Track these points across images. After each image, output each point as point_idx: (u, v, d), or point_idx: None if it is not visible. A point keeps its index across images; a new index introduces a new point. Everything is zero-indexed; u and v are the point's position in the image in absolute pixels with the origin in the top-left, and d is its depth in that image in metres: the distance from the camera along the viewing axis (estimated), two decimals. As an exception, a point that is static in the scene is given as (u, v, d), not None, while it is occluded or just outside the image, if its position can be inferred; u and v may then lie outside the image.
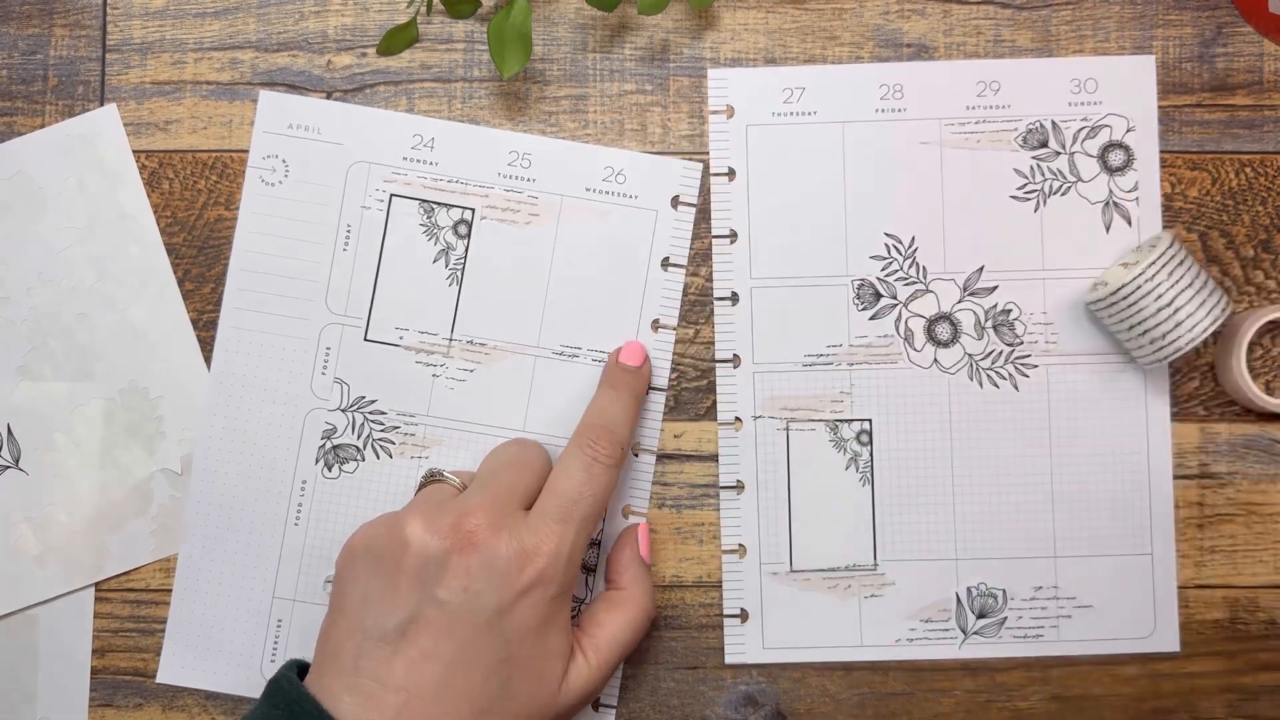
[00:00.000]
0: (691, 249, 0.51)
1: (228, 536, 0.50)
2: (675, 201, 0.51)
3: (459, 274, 0.51)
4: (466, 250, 0.51)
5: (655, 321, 0.51)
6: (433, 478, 0.46)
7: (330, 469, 0.50)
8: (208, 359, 0.51)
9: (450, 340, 0.51)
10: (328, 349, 0.51)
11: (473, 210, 0.51)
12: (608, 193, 0.51)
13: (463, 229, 0.51)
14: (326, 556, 0.50)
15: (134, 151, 0.51)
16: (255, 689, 0.50)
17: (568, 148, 0.51)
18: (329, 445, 0.50)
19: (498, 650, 0.41)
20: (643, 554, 0.48)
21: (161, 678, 0.50)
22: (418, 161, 0.51)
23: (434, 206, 0.51)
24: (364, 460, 0.50)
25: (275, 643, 0.50)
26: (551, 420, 0.50)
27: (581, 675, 0.44)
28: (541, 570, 0.42)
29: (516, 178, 0.51)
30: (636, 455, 0.50)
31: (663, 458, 0.51)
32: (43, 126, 0.51)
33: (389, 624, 0.41)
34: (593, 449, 0.45)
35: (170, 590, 0.50)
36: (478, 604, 0.41)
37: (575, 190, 0.51)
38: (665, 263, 0.51)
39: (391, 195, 0.51)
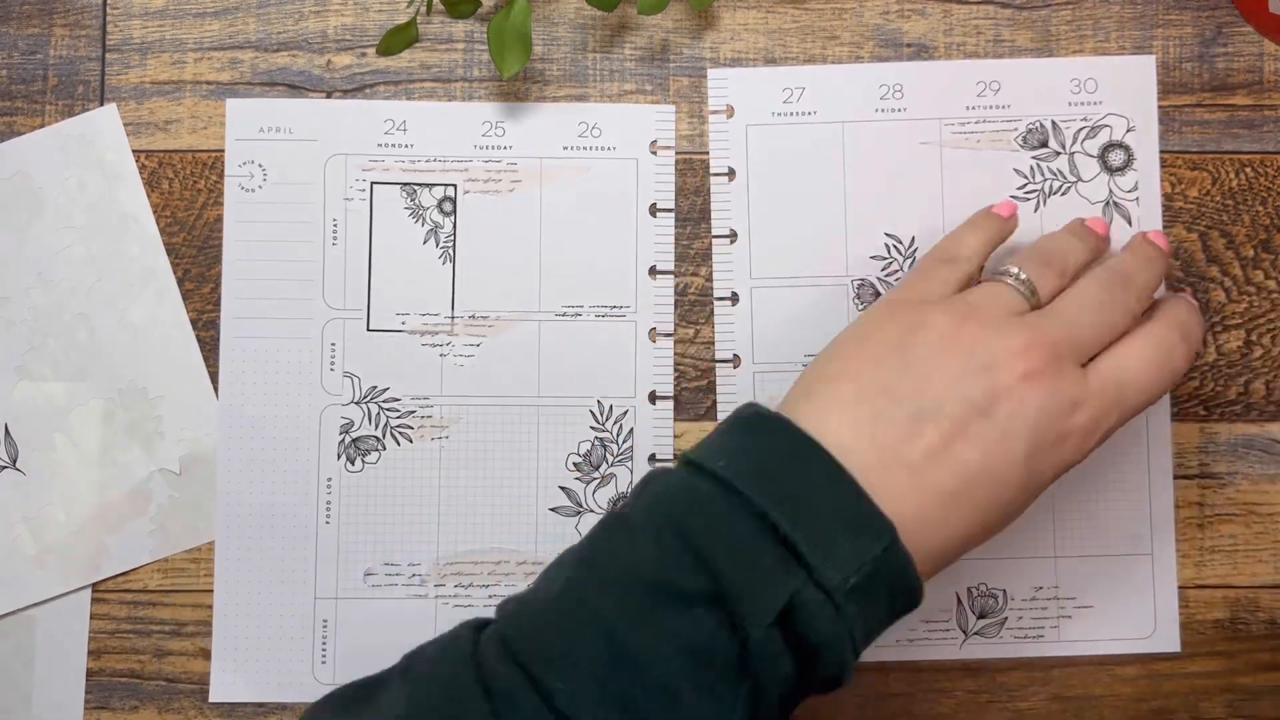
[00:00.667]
0: (692, 249, 0.51)
1: (262, 546, 0.50)
2: (654, 146, 0.51)
3: (450, 251, 0.51)
4: (454, 227, 0.51)
5: (652, 268, 0.51)
6: (1021, 278, 0.41)
7: (353, 463, 0.50)
8: (207, 359, 0.51)
9: (452, 318, 0.51)
10: (333, 344, 0.51)
11: (455, 186, 0.51)
12: (585, 148, 0.51)
13: (447, 206, 0.51)
14: (362, 550, 0.50)
15: (134, 151, 0.51)
16: (309, 694, 0.50)
17: (539, 109, 0.51)
18: (348, 439, 0.50)
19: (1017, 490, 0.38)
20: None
21: (214, 697, 0.50)
22: (393, 146, 0.51)
23: (416, 188, 0.51)
24: (385, 449, 0.50)
25: (324, 643, 0.50)
26: (564, 381, 0.50)
27: None
28: (1078, 429, 0.38)
29: (493, 147, 0.51)
30: (652, 461, 0.50)
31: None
32: (42, 126, 0.51)
33: (924, 403, 0.37)
34: (1163, 344, 0.41)
35: (169, 591, 0.50)
36: (1006, 434, 0.37)
37: (553, 150, 0.51)
38: (653, 209, 0.51)
39: (372, 183, 0.51)
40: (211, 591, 0.50)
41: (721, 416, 0.50)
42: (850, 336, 0.41)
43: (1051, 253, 0.43)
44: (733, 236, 0.51)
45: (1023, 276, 0.41)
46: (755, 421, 0.38)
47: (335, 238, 0.51)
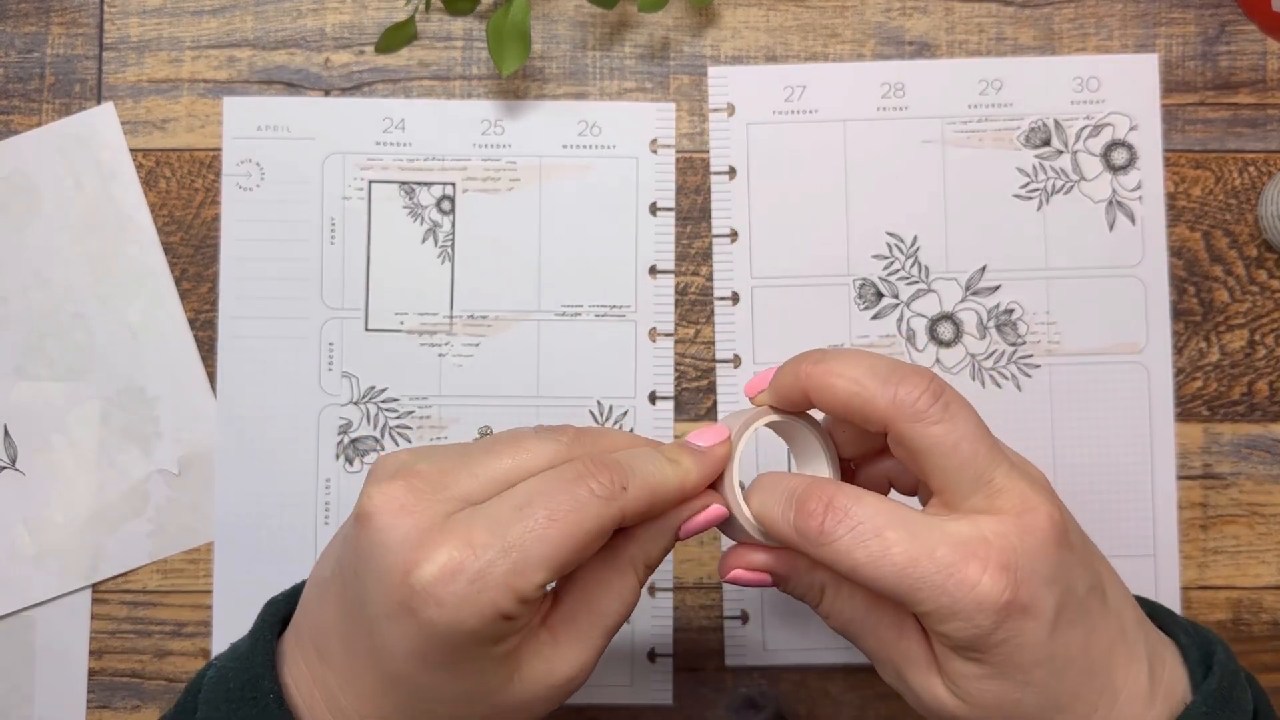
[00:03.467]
0: (692, 248, 0.51)
1: (261, 547, 0.50)
2: (654, 145, 0.51)
3: (449, 250, 0.51)
4: (453, 226, 0.51)
5: (652, 268, 0.51)
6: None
7: (352, 463, 0.50)
8: (205, 359, 0.50)
9: (451, 318, 0.51)
10: (331, 344, 0.50)
11: (453, 185, 0.51)
12: (585, 146, 0.51)
13: (446, 205, 0.51)
14: None
15: (131, 150, 0.51)
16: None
17: (538, 108, 0.51)
18: (347, 440, 0.50)
19: (382, 663, 0.33)
20: (684, 534, 0.36)
21: None
22: (391, 144, 0.51)
23: (414, 187, 0.51)
24: (384, 449, 0.50)
25: None
26: (564, 382, 0.50)
27: (545, 665, 0.34)
28: (423, 591, 0.31)
29: (492, 146, 0.51)
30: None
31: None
32: (39, 125, 0.51)
33: (322, 570, 0.35)
34: (587, 466, 0.33)
35: (169, 592, 0.50)
36: (360, 596, 0.33)
37: (552, 149, 0.51)
38: (653, 208, 0.51)
39: (370, 182, 0.51)
40: (210, 592, 0.50)
41: (722, 416, 0.50)
42: None
43: None
44: (733, 236, 0.51)
45: None
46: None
47: (333, 237, 0.51)
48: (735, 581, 0.37)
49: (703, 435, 0.36)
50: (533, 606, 0.32)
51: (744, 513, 0.36)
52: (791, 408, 0.37)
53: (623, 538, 0.35)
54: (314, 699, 0.34)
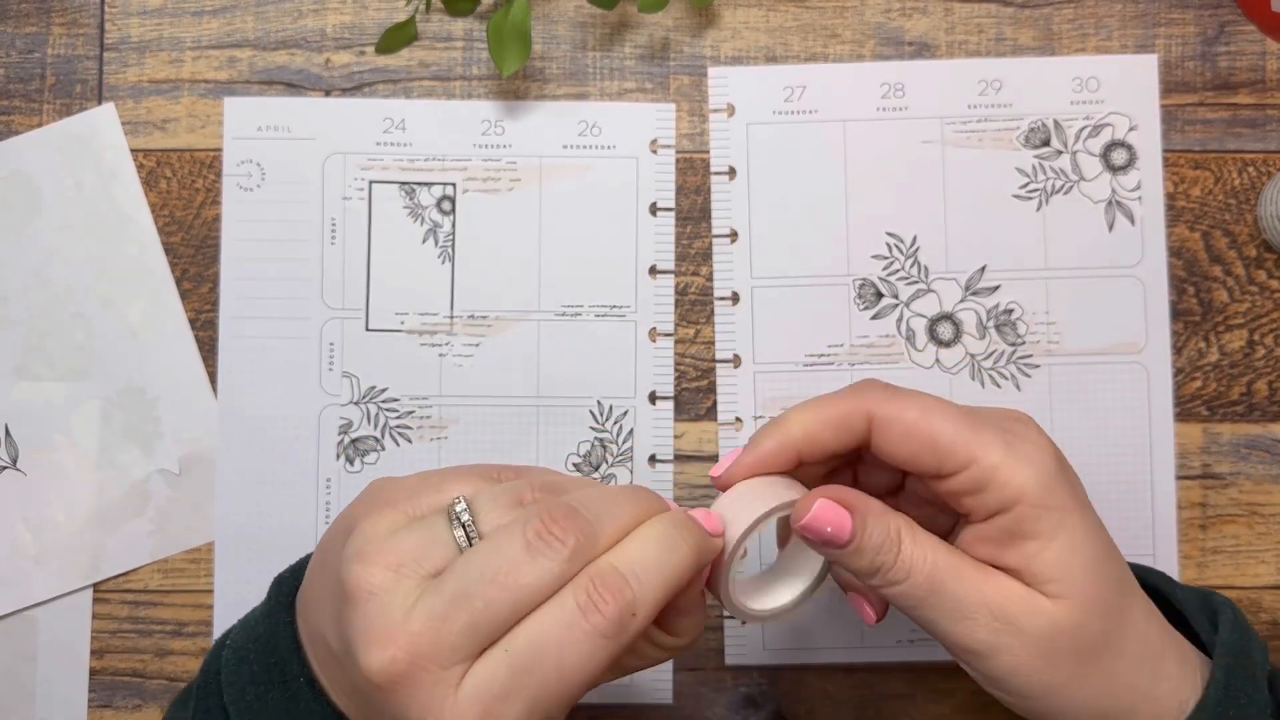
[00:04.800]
0: (692, 248, 0.51)
1: (262, 547, 0.50)
2: (654, 145, 0.51)
3: (449, 251, 0.51)
4: (453, 226, 0.51)
5: (652, 268, 0.51)
6: (458, 513, 0.33)
7: (352, 463, 0.50)
8: (205, 359, 0.51)
9: (451, 318, 0.51)
10: (331, 344, 0.51)
11: (454, 185, 0.51)
12: (585, 147, 0.51)
13: (446, 205, 0.51)
14: None
15: (131, 150, 0.51)
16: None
17: (538, 108, 0.51)
18: (347, 440, 0.50)
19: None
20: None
21: None
22: (392, 145, 0.51)
23: (414, 187, 0.51)
24: (384, 450, 0.50)
25: None
26: (564, 382, 0.50)
27: None
28: None
29: (492, 146, 0.51)
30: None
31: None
32: (40, 125, 0.51)
33: (328, 638, 0.34)
34: (590, 599, 0.31)
35: (170, 591, 0.50)
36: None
37: (553, 150, 0.51)
38: (653, 208, 0.51)
39: (370, 182, 0.51)
40: (211, 592, 0.50)
41: (722, 417, 0.50)
42: None
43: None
44: (733, 236, 0.51)
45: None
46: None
47: (334, 237, 0.51)
48: (816, 522, 0.34)
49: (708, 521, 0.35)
50: None
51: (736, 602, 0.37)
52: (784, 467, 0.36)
53: None
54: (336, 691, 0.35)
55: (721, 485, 0.37)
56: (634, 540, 0.32)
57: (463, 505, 0.33)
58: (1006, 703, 0.36)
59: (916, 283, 0.50)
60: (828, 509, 0.35)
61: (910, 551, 0.34)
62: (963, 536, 0.36)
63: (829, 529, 0.34)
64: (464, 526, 0.32)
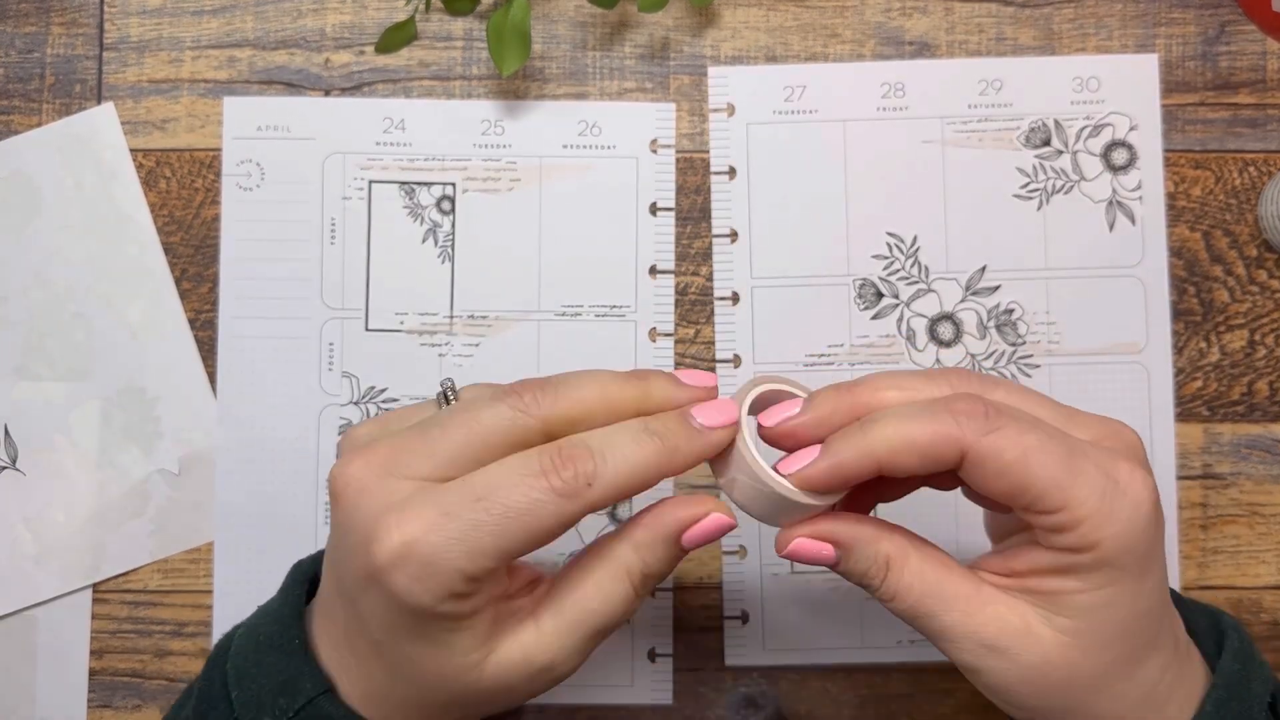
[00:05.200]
0: (692, 248, 0.51)
1: (261, 547, 0.50)
2: (654, 145, 0.51)
3: (449, 250, 0.51)
4: (453, 226, 0.51)
5: (652, 268, 0.51)
6: (442, 385, 0.36)
7: None
8: (205, 359, 0.51)
9: (451, 318, 0.51)
10: (331, 344, 0.51)
11: (453, 185, 0.51)
12: (585, 147, 0.51)
13: (446, 205, 0.51)
14: None
15: (131, 150, 0.51)
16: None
17: (538, 108, 0.51)
18: None
19: (368, 632, 0.34)
20: (687, 545, 0.35)
21: None
22: (391, 145, 0.51)
23: (414, 187, 0.51)
24: None
25: None
26: None
27: (523, 651, 0.34)
28: (384, 568, 0.32)
29: (492, 146, 0.51)
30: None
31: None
32: (40, 125, 0.51)
33: (333, 570, 0.36)
34: (551, 459, 0.32)
35: (169, 592, 0.50)
36: (338, 572, 0.35)
37: (552, 150, 0.51)
38: (653, 208, 0.51)
39: (370, 182, 0.51)
40: (211, 592, 0.50)
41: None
42: None
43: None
44: (733, 236, 0.51)
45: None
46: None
47: (333, 237, 0.51)
48: (795, 555, 0.35)
49: (705, 411, 0.34)
50: (488, 584, 0.33)
51: (778, 482, 0.34)
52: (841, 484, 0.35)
53: (619, 540, 0.35)
54: (333, 660, 0.36)
55: (771, 438, 0.36)
56: (610, 429, 0.34)
57: (449, 381, 0.36)
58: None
59: (917, 283, 0.50)
60: (805, 546, 0.35)
61: (897, 579, 0.34)
62: (1014, 540, 0.35)
63: (810, 557, 0.35)
64: (443, 391, 0.36)
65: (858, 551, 0.35)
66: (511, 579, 0.36)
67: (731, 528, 0.35)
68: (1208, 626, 0.37)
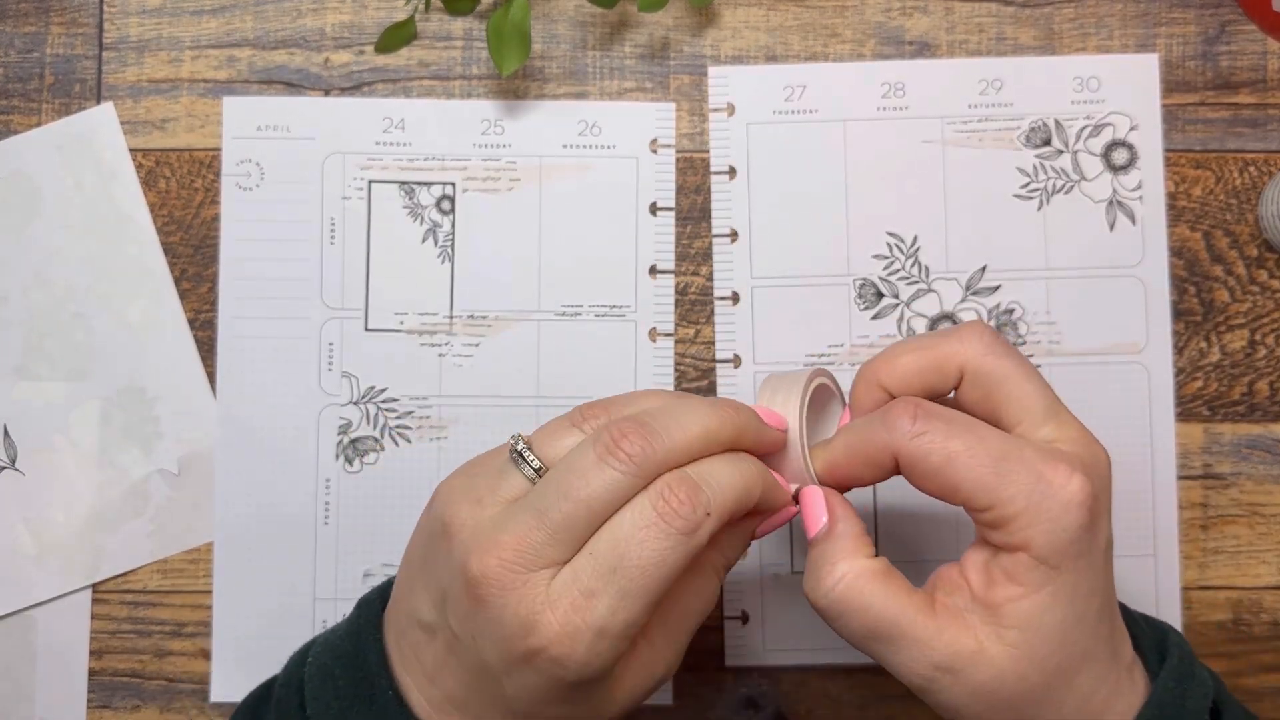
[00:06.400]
0: (692, 248, 0.51)
1: (261, 547, 0.50)
2: (654, 145, 0.51)
3: (449, 250, 0.51)
4: (453, 226, 0.51)
5: (652, 268, 0.51)
6: (517, 449, 0.36)
7: (351, 463, 0.50)
8: (205, 359, 0.50)
9: (451, 318, 0.51)
10: (330, 344, 0.50)
11: (453, 185, 0.51)
12: (585, 146, 0.51)
13: (446, 205, 0.51)
14: (361, 551, 0.50)
15: (130, 150, 0.51)
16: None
17: (538, 107, 0.51)
18: (346, 440, 0.50)
19: (506, 701, 0.35)
20: (759, 535, 0.38)
21: (215, 697, 0.50)
22: (391, 144, 0.51)
23: (414, 187, 0.51)
24: (384, 450, 0.50)
25: None
26: (564, 382, 0.50)
27: (645, 670, 0.36)
28: (545, 650, 0.33)
29: (492, 145, 0.51)
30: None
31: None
32: (39, 125, 0.51)
33: (421, 613, 0.36)
34: (665, 501, 0.33)
35: (169, 592, 0.50)
36: (479, 654, 0.35)
37: (552, 149, 0.51)
38: (653, 208, 0.51)
39: (370, 182, 0.51)
40: (211, 592, 0.50)
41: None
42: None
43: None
44: (733, 236, 0.51)
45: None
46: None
47: (333, 237, 0.51)
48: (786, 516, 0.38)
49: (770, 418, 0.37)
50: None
51: (811, 472, 0.38)
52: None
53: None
54: (422, 705, 0.37)
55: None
56: (708, 458, 0.35)
57: (518, 441, 0.36)
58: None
59: (917, 283, 0.50)
60: (789, 512, 0.38)
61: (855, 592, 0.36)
62: (969, 554, 0.36)
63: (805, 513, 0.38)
64: (521, 456, 0.35)
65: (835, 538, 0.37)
66: None
67: (794, 513, 0.38)
68: (1153, 643, 0.38)
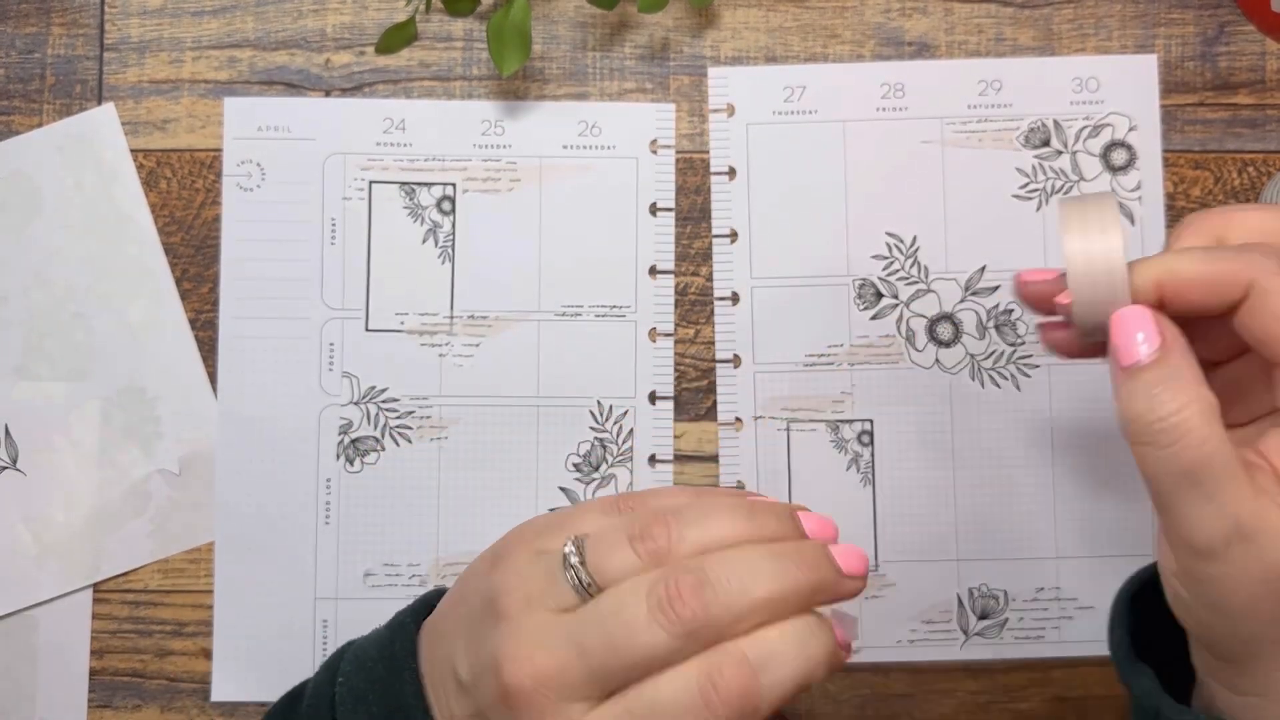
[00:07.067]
0: (692, 248, 0.51)
1: (261, 547, 0.50)
2: (654, 145, 0.51)
3: (449, 251, 0.51)
4: (453, 226, 0.51)
5: (652, 268, 0.51)
6: (569, 558, 0.33)
7: (352, 463, 0.50)
8: (205, 359, 0.51)
9: (451, 318, 0.51)
10: (331, 344, 0.51)
11: (454, 185, 0.51)
12: (585, 147, 0.51)
13: (446, 205, 0.51)
14: (361, 551, 0.50)
15: (131, 150, 0.51)
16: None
17: (538, 108, 0.51)
18: (347, 440, 0.50)
19: None
20: (840, 640, 0.33)
21: (216, 697, 0.50)
22: (392, 145, 0.51)
23: (414, 187, 0.51)
24: (384, 450, 0.50)
25: (324, 643, 0.50)
26: (564, 382, 0.50)
27: None
28: None
29: (492, 146, 0.51)
30: None
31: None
32: (40, 126, 0.51)
33: (459, 669, 0.35)
34: (714, 688, 0.31)
35: (170, 591, 0.50)
36: None
37: (552, 150, 0.51)
38: (653, 208, 0.51)
39: (370, 182, 0.51)
40: (211, 592, 0.50)
41: (722, 417, 0.50)
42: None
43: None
44: (733, 236, 0.51)
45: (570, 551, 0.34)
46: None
47: (334, 237, 0.51)
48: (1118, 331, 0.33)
49: (847, 559, 0.33)
50: None
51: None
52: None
53: None
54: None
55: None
56: (773, 629, 0.32)
57: (570, 548, 0.33)
58: (1195, 621, 0.33)
59: (916, 283, 0.50)
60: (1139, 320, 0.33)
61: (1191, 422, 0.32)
62: (1270, 436, 0.32)
63: (1127, 345, 0.33)
64: (573, 568, 0.33)
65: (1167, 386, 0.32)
66: None
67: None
68: None
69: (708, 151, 0.51)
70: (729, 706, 0.30)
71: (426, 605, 0.39)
